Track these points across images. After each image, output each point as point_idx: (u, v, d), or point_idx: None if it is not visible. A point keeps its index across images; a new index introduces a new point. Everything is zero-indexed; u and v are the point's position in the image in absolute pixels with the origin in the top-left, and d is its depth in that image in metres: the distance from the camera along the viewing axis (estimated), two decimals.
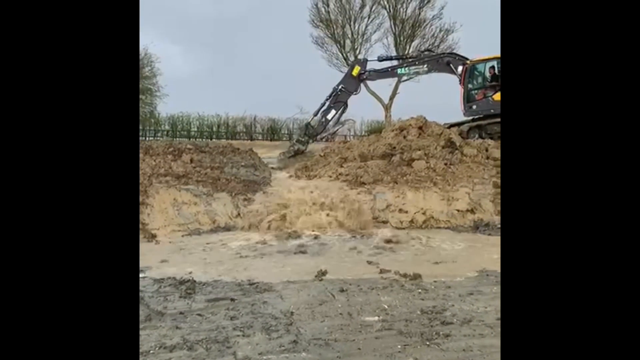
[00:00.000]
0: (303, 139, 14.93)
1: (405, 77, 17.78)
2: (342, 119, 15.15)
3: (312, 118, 15.03)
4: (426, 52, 16.96)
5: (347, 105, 14.80)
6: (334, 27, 24.62)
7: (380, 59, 15.33)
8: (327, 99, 14.69)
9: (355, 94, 14.88)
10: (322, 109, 14.65)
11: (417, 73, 15.87)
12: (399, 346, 3.38)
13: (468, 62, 13.82)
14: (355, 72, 14.62)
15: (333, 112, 14.55)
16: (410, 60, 16.01)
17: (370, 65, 15.12)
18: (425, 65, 14.73)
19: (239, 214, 8.53)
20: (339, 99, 14.60)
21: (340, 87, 14.70)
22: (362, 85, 15.01)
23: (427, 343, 3.42)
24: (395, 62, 16.01)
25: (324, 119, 14.66)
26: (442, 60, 14.45)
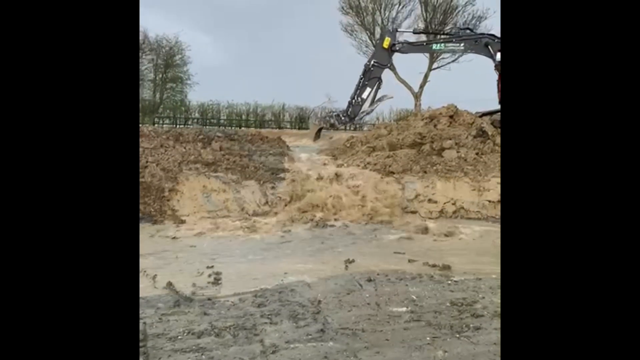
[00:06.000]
0: (343, 118, 14.26)
1: (439, 54, 16.74)
2: (379, 95, 14.22)
3: (353, 99, 14.15)
4: (466, 31, 16.04)
5: (381, 81, 14.00)
6: (364, 14, 24.26)
7: (416, 32, 14.57)
8: (360, 78, 13.96)
9: (388, 67, 14.05)
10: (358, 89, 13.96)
11: (453, 51, 15.02)
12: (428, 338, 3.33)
13: None
14: (386, 44, 13.83)
15: (368, 89, 13.85)
16: (447, 37, 15.07)
17: (401, 41, 14.52)
18: (462, 44, 13.85)
19: (267, 202, 8.56)
20: (372, 74, 13.83)
21: (372, 62, 13.93)
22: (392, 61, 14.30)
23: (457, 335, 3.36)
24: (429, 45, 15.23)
25: (359, 99, 13.90)
26: (481, 41, 13.37)
